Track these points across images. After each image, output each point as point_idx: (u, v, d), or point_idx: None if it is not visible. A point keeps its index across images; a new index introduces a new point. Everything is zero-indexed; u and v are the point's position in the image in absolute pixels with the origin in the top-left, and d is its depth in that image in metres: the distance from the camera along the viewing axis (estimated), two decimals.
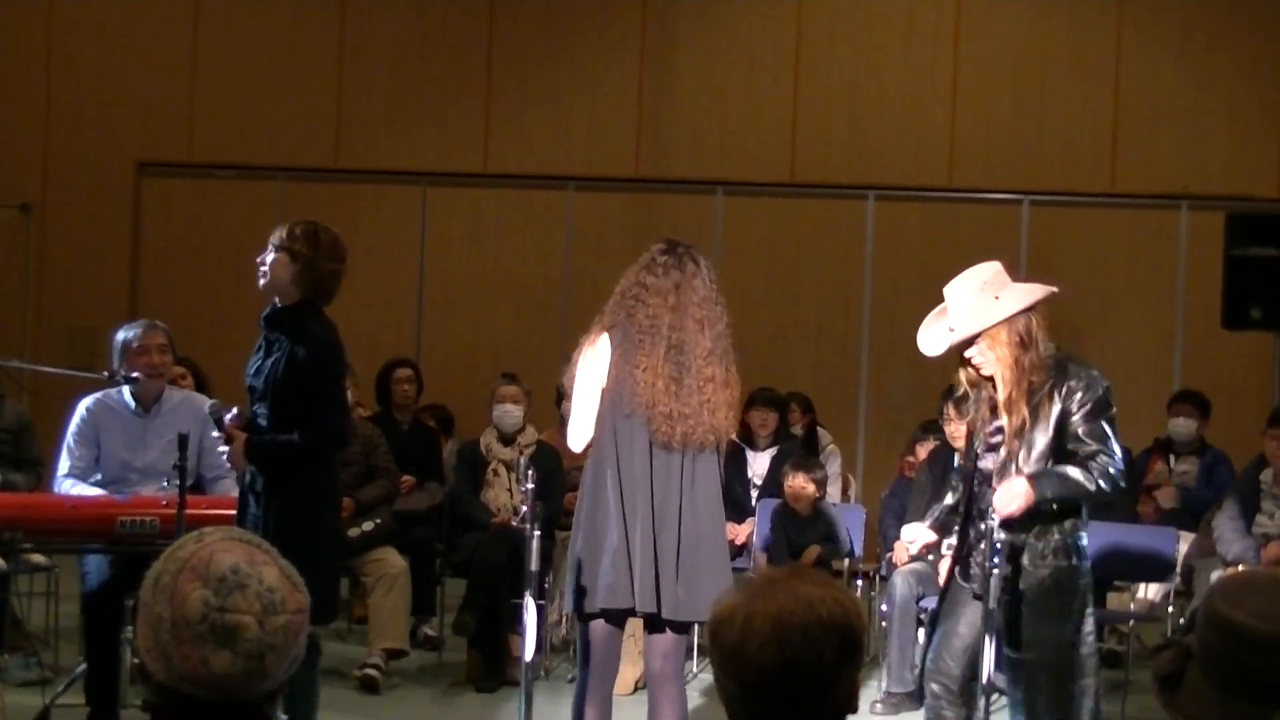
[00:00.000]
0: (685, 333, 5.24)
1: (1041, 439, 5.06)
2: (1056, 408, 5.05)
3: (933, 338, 5.22)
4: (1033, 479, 5.02)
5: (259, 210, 12.35)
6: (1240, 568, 7.33)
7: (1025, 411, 5.05)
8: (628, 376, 5.19)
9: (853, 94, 12.12)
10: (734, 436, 8.89)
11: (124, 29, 12.59)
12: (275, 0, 12.66)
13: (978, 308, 5.08)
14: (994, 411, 5.15)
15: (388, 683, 7.71)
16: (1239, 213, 10.14)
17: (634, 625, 5.83)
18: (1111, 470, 5.02)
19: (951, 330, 5.11)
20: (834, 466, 9.13)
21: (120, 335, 6.75)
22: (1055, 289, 5.14)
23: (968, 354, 5.15)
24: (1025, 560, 5.11)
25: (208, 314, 12.00)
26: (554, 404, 9.00)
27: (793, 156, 12.19)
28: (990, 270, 5.14)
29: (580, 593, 5.24)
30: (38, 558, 7.59)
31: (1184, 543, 8.07)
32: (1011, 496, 5.02)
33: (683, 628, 5.31)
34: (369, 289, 12.39)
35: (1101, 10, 12.01)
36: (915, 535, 5.42)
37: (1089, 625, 5.19)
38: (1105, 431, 5.05)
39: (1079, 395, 5.04)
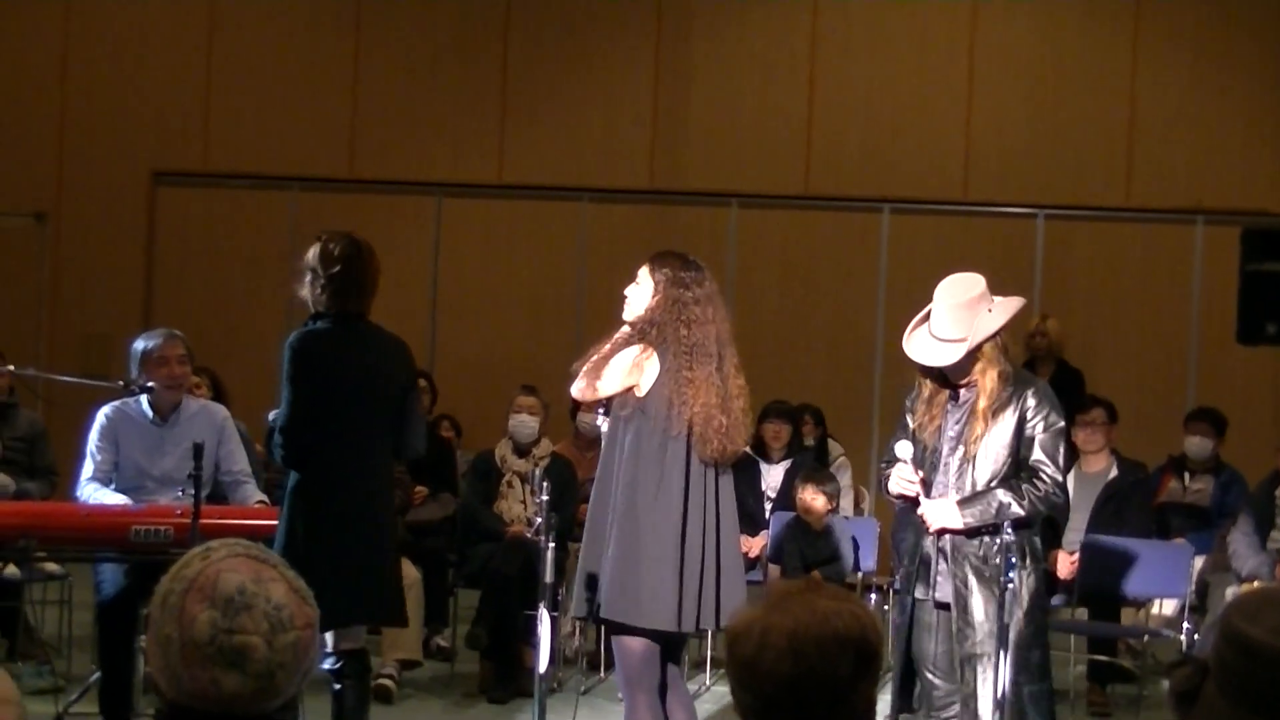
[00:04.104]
0: (723, 346, 5.30)
1: (999, 444, 5.34)
2: (1015, 416, 5.35)
3: (928, 347, 5.39)
4: (962, 503, 5.32)
5: (273, 220, 12.38)
6: (1256, 583, 7.31)
7: (989, 420, 5.34)
8: (676, 396, 5.22)
9: (867, 106, 12.12)
10: (748, 449, 8.97)
11: (139, 39, 12.62)
12: (290, 11, 12.70)
13: (981, 318, 5.31)
14: (943, 416, 5.41)
15: (401, 693, 7.72)
16: (1254, 227, 10.06)
17: None
18: (1044, 493, 5.33)
19: (963, 339, 5.30)
20: (845, 479, 9.11)
21: (139, 344, 6.73)
22: (1024, 300, 5.53)
23: (952, 361, 5.33)
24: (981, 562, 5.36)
25: (221, 323, 12.01)
26: (569, 416, 9.00)
27: (807, 169, 12.19)
28: (982, 281, 5.41)
29: (626, 607, 5.26)
30: (51, 566, 7.60)
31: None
32: (938, 517, 5.34)
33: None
34: (382, 299, 12.28)
35: (1116, 24, 12.00)
36: (909, 474, 5.47)
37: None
38: (1056, 447, 5.39)
39: (1036, 405, 5.36)
